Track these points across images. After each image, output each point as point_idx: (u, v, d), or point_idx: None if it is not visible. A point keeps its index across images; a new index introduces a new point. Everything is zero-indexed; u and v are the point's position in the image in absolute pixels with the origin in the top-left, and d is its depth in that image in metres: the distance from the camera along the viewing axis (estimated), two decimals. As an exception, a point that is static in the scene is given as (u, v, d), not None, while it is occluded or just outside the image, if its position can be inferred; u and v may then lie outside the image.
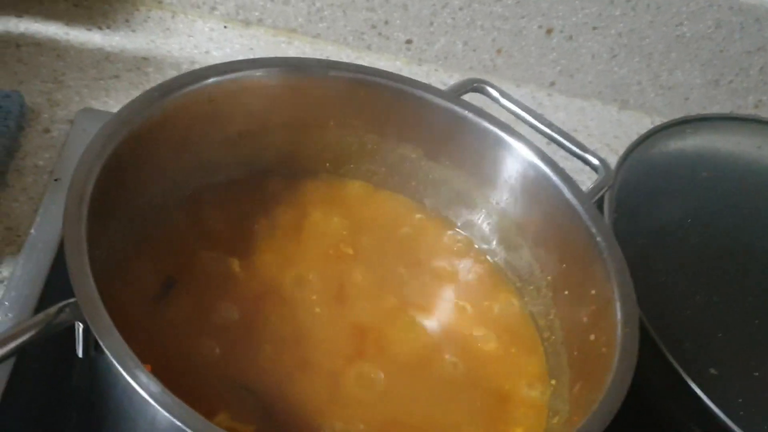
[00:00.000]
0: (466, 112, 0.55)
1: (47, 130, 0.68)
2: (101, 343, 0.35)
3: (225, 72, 0.50)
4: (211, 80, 0.49)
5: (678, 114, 0.95)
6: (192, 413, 0.34)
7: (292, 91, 0.53)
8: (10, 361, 0.51)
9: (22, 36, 0.76)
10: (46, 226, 0.60)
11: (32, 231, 0.60)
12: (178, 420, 0.33)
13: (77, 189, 0.40)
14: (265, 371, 0.47)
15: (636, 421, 0.58)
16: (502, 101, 0.60)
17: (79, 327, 0.38)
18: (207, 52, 0.82)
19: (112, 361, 0.34)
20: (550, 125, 0.58)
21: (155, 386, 0.34)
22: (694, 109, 0.96)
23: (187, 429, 0.33)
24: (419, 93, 0.56)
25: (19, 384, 0.51)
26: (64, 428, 0.50)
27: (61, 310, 0.37)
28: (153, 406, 0.34)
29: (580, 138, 0.90)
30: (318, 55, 0.87)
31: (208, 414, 0.43)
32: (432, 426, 0.49)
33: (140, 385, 0.34)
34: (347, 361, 0.50)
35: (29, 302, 0.55)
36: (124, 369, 0.34)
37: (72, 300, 0.37)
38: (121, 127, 0.44)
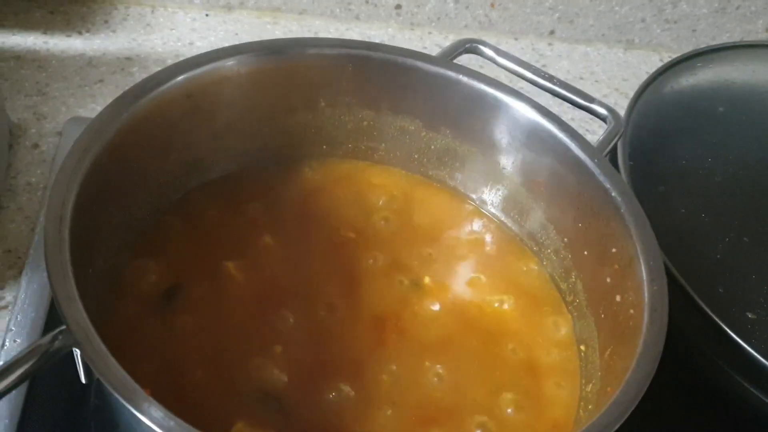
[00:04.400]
0: (459, 76, 0.52)
1: (36, 146, 0.67)
2: (95, 373, 0.33)
3: (199, 65, 0.47)
4: (185, 75, 0.47)
5: (687, 48, 0.92)
6: (197, 436, 0.32)
7: (273, 75, 0.51)
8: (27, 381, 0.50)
9: (0, 50, 0.73)
10: (45, 245, 0.58)
11: (31, 251, 0.58)
12: (184, 445, 0.31)
13: (55, 211, 0.37)
14: (281, 373, 0.45)
15: (672, 374, 0.55)
16: (498, 59, 0.57)
17: (77, 353, 0.36)
18: (191, 44, 0.80)
19: (114, 396, 0.32)
20: (551, 79, 0.55)
21: (156, 411, 0.32)
22: (703, 41, 0.92)
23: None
24: (409, 62, 0.53)
25: (36, 405, 0.50)
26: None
27: (55, 338, 0.35)
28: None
29: (587, 85, 0.88)
30: (305, 32, 0.84)
31: (224, 426, 0.42)
32: (465, 406, 0.47)
33: (141, 412, 0.32)
34: (368, 352, 0.48)
35: (36, 325, 0.54)
36: (122, 397, 0.32)
37: (64, 327, 0.35)
38: (95, 138, 0.42)
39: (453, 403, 0.47)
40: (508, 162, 0.54)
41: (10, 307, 0.55)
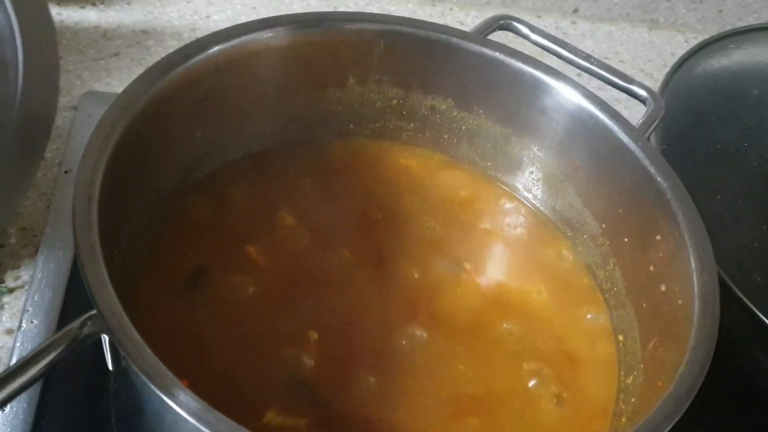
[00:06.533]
0: (496, 54, 0.50)
1: (50, 120, 0.64)
2: (131, 363, 0.31)
3: (229, 38, 0.45)
4: (214, 49, 0.45)
5: (712, 29, 0.90)
6: (237, 429, 0.30)
7: (303, 50, 0.49)
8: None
9: (12, 21, 0.71)
10: (61, 222, 0.56)
11: (47, 229, 0.57)
12: (225, 439, 0.30)
13: (83, 190, 0.36)
14: (311, 360, 0.44)
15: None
16: (532, 37, 0.55)
17: (105, 339, 0.35)
18: (208, 17, 0.77)
19: (145, 381, 0.31)
20: (588, 58, 0.53)
21: (194, 403, 0.30)
22: (730, 22, 0.90)
23: (235, 448, 0.30)
24: (444, 38, 0.51)
25: (55, 389, 0.49)
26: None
27: (83, 324, 0.34)
28: (194, 424, 0.30)
29: (611, 65, 0.85)
30: (324, 6, 0.82)
31: (257, 414, 0.41)
32: (497, 396, 0.46)
33: (178, 405, 0.30)
34: (400, 338, 0.46)
35: (53, 306, 0.52)
36: (160, 389, 0.31)
37: (94, 312, 0.34)
38: (122, 114, 0.40)
39: (487, 393, 0.46)
40: (543, 144, 0.52)
41: (26, 287, 0.53)
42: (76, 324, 0.33)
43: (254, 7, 0.80)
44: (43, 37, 0.29)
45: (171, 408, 0.31)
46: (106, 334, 0.33)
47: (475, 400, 0.45)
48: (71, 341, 0.33)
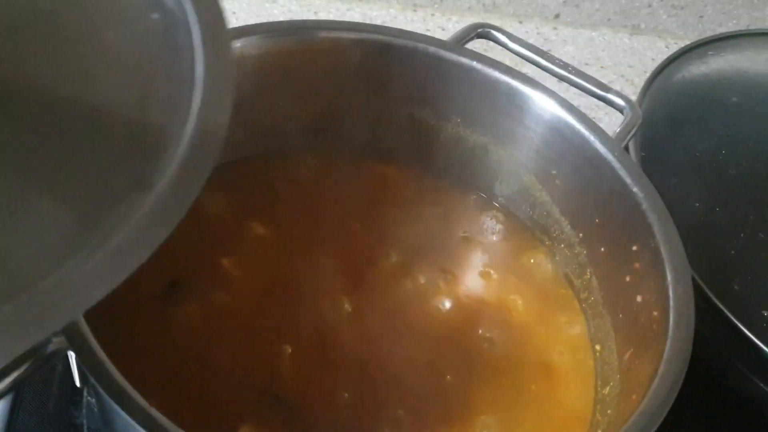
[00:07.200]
0: (474, 63, 0.50)
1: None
2: (95, 385, 0.31)
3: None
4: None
5: (693, 34, 0.90)
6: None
7: (278, 60, 0.48)
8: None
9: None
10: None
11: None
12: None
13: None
14: (286, 374, 0.43)
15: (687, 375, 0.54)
16: (510, 45, 0.54)
17: (72, 356, 0.34)
18: (186, 23, 0.77)
19: (110, 403, 0.30)
20: (565, 66, 0.53)
21: (162, 425, 0.30)
22: (710, 28, 0.90)
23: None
24: (422, 47, 0.51)
25: (27, 400, 0.48)
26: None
27: (48, 341, 0.33)
28: (161, 446, 0.30)
29: (592, 71, 0.85)
30: (305, 11, 0.81)
31: (230, 429, 0.40)
32: (475, 406, 0.45)
33: (145, 427, 0.30)
34: (376, 350, 0.46)
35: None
36: (125, 410, 0.30)
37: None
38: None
39: (463, 403, 0.45)
40: (521, 153, 0.52)
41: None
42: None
43: (234, 12, 0.79)
44: (216, 22, 0.25)
45: (138, 430, 0.31)
46: (72, 351, 0.33)
47: (449, 411, 0.45)
48: (36, 359, 0.32)
